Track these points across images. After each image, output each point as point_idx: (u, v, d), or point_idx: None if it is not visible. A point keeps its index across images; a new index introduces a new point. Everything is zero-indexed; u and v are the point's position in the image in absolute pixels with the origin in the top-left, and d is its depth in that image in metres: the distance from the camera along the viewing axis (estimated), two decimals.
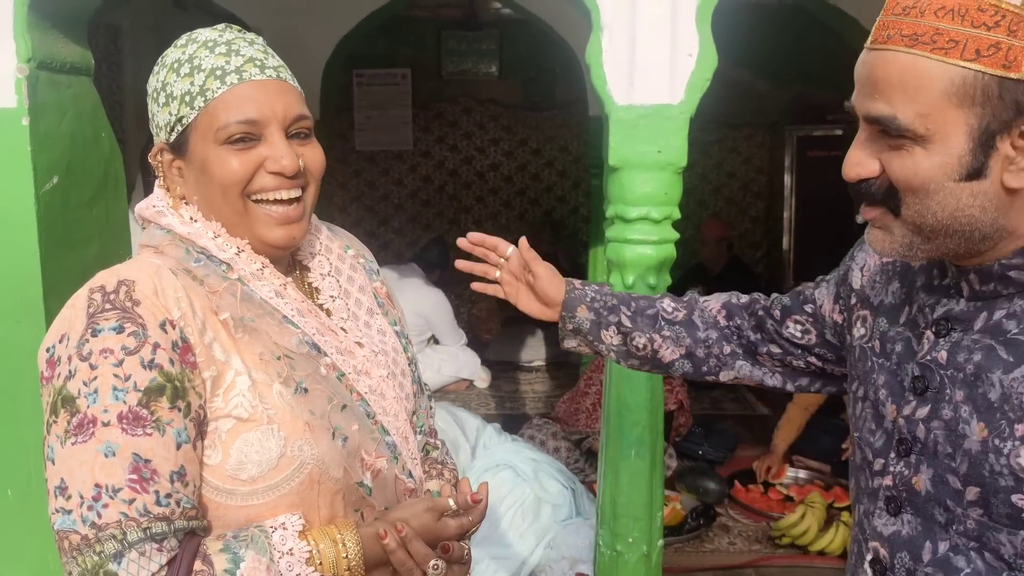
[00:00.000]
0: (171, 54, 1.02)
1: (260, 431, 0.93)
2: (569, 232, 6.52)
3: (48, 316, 1.91)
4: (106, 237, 2.22)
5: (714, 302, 1.35)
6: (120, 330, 0.88)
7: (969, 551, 0.90)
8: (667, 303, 1.35)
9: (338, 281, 1.13)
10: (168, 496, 0.87)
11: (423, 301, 4.88)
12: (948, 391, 0.91)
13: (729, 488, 3.55)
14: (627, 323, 1.33)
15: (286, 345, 0.98)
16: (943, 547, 0.92)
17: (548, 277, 1.36)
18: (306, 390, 0.97)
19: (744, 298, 1.34)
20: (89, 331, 0.88)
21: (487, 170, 6.59)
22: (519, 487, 3.09)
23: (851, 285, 1.13)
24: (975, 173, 0.83)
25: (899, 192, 0.86)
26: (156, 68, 1.02)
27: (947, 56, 0.80)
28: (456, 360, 5.05)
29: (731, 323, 1.32)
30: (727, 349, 1.31)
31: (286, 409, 0.94)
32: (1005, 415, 0.85)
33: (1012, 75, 0.79)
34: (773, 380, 1.30)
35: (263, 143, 0.99)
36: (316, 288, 1.11)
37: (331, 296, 1.11)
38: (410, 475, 1.09)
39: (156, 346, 0.89)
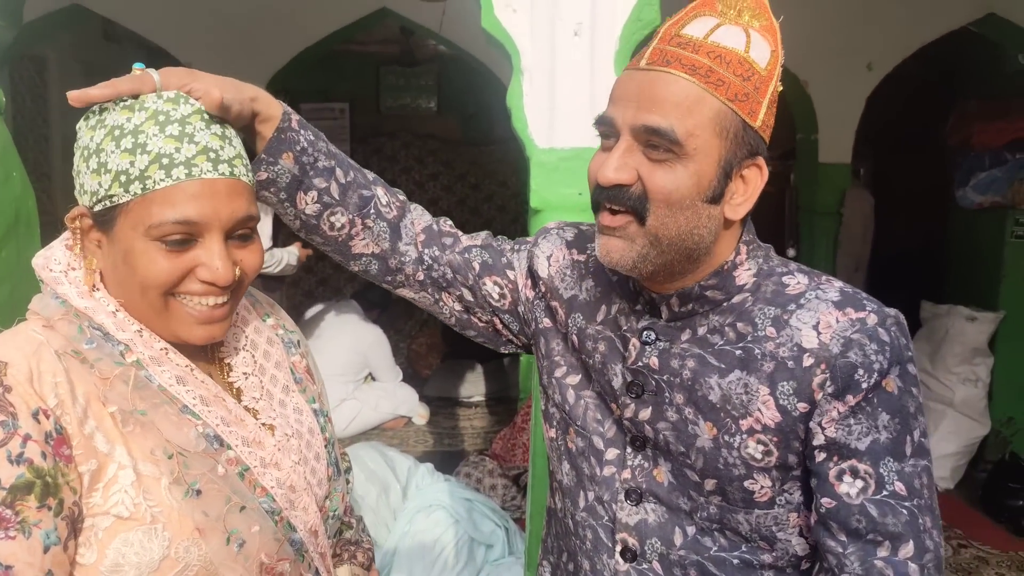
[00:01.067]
0: (114, 115, 0.89)
1: (141, 531, 0.85)
2: None
3: None
4: (17, 279, 2.15)
5: (418, 220, 1.22)
6: None
7: (713, 531, 1.02)
8: (381, 192, 1.17)
9: (253, 356, 1.04)
10: None
11: (362, 338, 4.85)
12: (668, 394, 1.02)
13: None
14: (335, 194, 1.11)
15: (180, 442, 0.89)
16: (691, 531, 1.03)
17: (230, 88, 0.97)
18: (199, 492, 0.88)
19: (444, 226, 1.23)
20: None
21: (426, 204, 6.46)
22: (452, 528, 3.06)
23: (537, 273, 1.17)
24: (716, 198, 0.96)
25: (650, 202, 0.94)
26: (92, 121, 0.90)
27: (716, 91, 0.92)
28: (393, 397, 5.01)
29: (428, 250, 1.19)
30: (419, 274, 1.19)
31: (173, 508, 0.86)
32: (729, 414, 0.98)
33: (751, 123, 0.95)
34: (449, 320, 1.24)
35: (199, 246, 0.90)
36: (228, 364, 1.03)
37: (244, 373, 1.03)
38: (316, 573, 1.02)
39: (27, 438, 0.81)
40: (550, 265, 1.16)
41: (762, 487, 0.98)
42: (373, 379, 5.03)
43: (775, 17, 0.98)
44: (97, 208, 0.89)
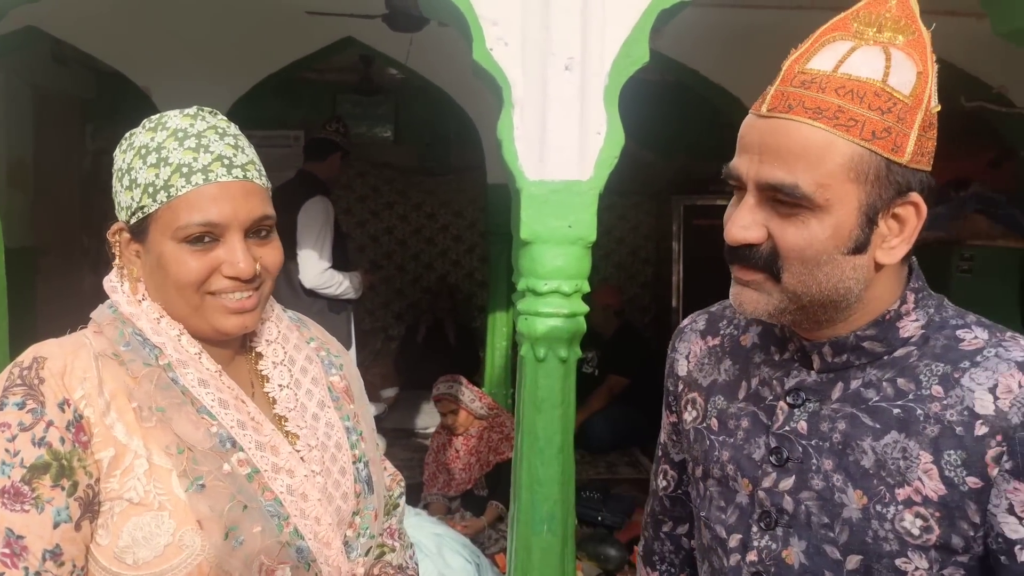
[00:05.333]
0: (140, 137, 1.00)
1: (150, 516, 0.93)
2: (464, 295, 6.52)
3: None
4: None
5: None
6: (22, 406, 0.91)
7: None
8: None
9: (290, 371, 1.11)
10: (37, 574, 0.89)
11: None
12: (815, 461, 0.91)
13: (628, 554, 3.56)
14: None
15: (192, 440, 0.97)
16: None
17: None
18: (203, 486, 0.95)
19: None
20: None
21: (382, 233, 6.54)
22: (422, 563, 2.99)
23: (677, 375, 1.14)
24: (861, 247, 0.86)
25: (782, 259, 0.86)
26: (124, 145, 1.02)
27: (848, 133, 0.82)
28: None
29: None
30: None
31: (179, 499, 0.94)
32: (883, 481, 0.87)
33: (897, 159, 0.84)
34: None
35: (221, 245, 0.99)
36: (266, 376, 1.10)
37: (279, 385, 1.09)
38: None
39: (50, 424, 0.91)
40: (689, 362, 1.11)
41: (916, 568, 0.86)
42: None
43: (926, 25, 0.87)
44: (132, 221, 1.00)
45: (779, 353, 0.99)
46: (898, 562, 0.86)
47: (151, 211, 0.98)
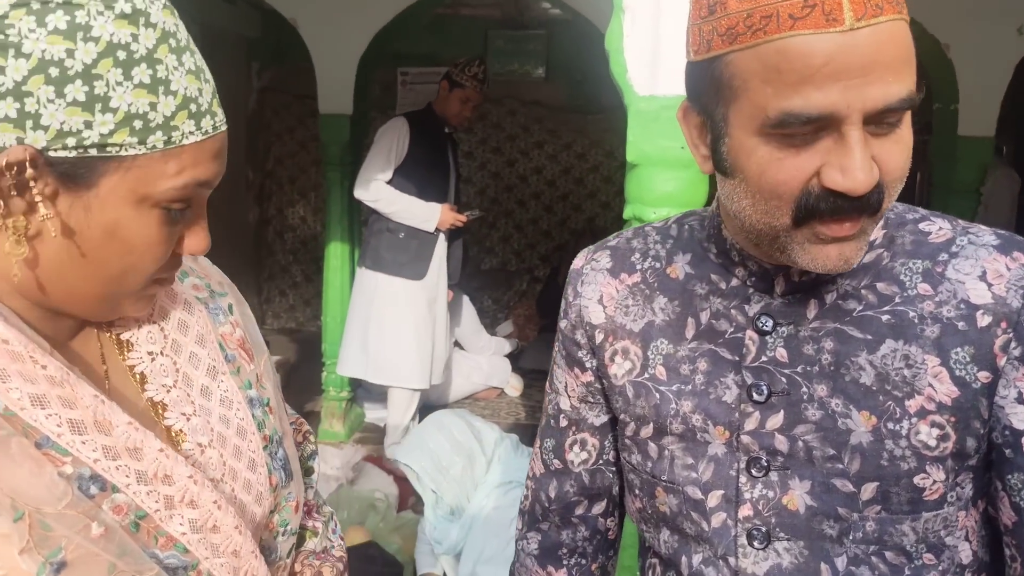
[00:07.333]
0: (106, 24, 0.64)
1: None
2: None
3: None
4: None
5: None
6: None
7: (871, 556, 0.82)
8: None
9: (162, 330, 0.79)
10: None
11: None
12: (805, 389, 0.83)
13: None
14: None
15: (34, 495, 0.63)
16: (841, 563, 0.82)
17: None
18: (64, 564, 0.63)
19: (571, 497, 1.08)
20: None
21: (530, 173, 6.45)
22: None
23: (589, 323, 0.97)
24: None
25: (885, 188, 0.74)
26: (57, 22, 0.62)
27: (904, 13, 0.72)
28: (481, 369, 4.91)
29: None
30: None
31: None
32: (889, 395, 0.80)
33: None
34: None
35: (184, 219, 0.73)
36: (127, 342, 0.78)
37: (149, 353, 0.78)
38: None
39: None
40: (604, 306, 0.96)
41: (934, 482, 0.80)
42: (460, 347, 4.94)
43: None
44: (63, 154, 0.64)
45: (724, 280, 0.89)
46: (916, 480, 0.80)
47: (127, 154, 0.65)
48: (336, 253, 4.30)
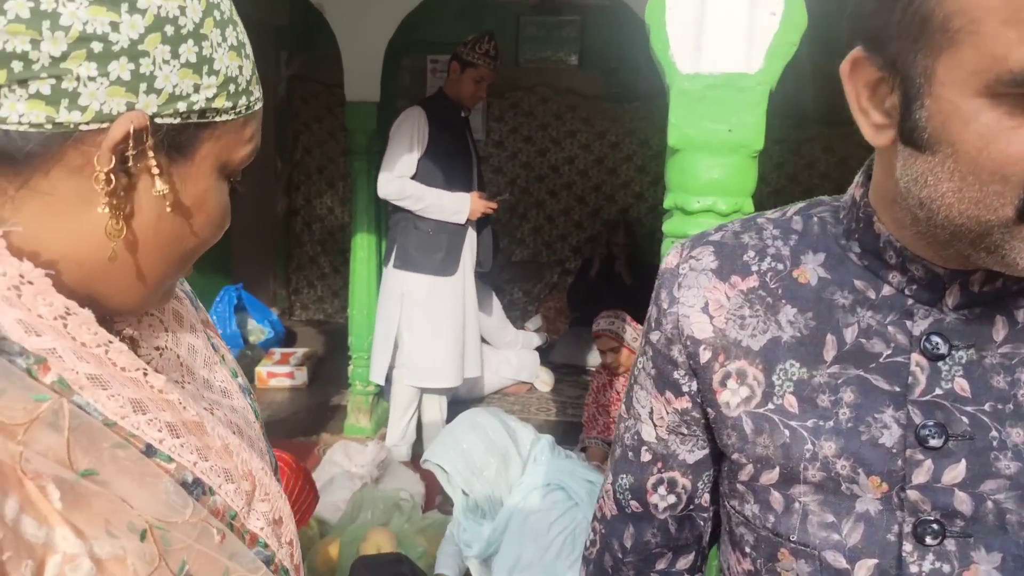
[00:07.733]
0: None
1: None
2: (647, 231, 6.17)
3: None
4: None
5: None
6: None
7: None
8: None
9: (161, 321, 0.73)
10: None
11: None
12: (995, 433, 0.66)
13: None
14: None
15: (152, 509, 0.58)
16: None
17: None
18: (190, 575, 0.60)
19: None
20: None
21: (562, 163, 6.30)
22: (571, 512, 2.78)
23: (693, 337, 0.79)
24: None
25: None
26: None
27: None
28: (509, 363, 4.79)
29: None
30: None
31: None
32: None
33: None
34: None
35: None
36: (132, 339, 0.70)
37: (156, 348, 0.71)
38: None
39: None
40: (711, 316, 0.78)
41: None
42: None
43: None
44: (168, 120, 0.58)
45: (872, 288, 0.71)
46: None
47: (222, 119, 0.62)
48: (363, 244, 4.19)
